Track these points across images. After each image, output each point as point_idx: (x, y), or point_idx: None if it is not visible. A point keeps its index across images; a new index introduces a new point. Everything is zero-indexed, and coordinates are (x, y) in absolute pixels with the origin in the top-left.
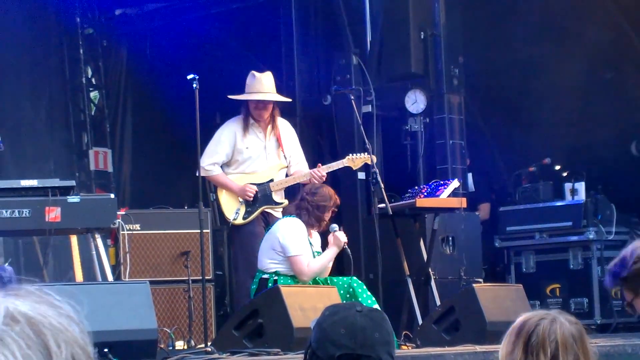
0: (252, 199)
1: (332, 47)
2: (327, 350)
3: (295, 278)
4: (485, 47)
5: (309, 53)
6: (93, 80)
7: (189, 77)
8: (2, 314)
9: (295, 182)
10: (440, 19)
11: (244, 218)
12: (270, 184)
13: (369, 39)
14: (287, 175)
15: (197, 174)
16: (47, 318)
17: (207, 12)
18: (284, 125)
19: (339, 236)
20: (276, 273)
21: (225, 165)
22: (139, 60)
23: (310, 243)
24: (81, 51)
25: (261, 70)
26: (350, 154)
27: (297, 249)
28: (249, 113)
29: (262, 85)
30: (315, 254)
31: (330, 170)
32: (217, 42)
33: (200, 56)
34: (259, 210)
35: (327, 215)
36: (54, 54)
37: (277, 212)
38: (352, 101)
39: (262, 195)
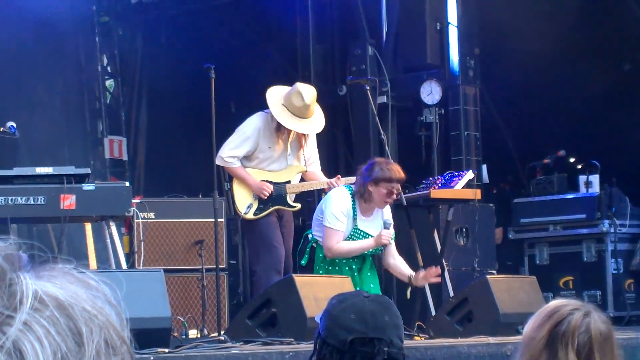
0: (266, 197)
1: (347, 37)
2: (338, 336)
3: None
4: (501, 39)
5: (324, 43)
6: (108, 68)
7: (205, 66)
8: (30, 297)
9: (311, 189)
10: (456, 10)
11: (254, 214)
12: (287, 185)
13: (384, 29)
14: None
15: (215, 163)
16: (80, 301)
17: (223, 1)
18: None
19: (384, 233)
20: (316, 241)
21: (244, 159)
22: (155, 49)
23: (357, 223)
24: (97, 39)
25: (278, 61)
26: None
27: (331, 222)
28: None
29: (308, 112)
30: (361, 236)
31: (348, 183)
32: (232, 31)
33: (215, 45)
34: (271, 209)
35: (381, 191)
36: (70, 42)
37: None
38: (368, 92)
39: (277, 195)
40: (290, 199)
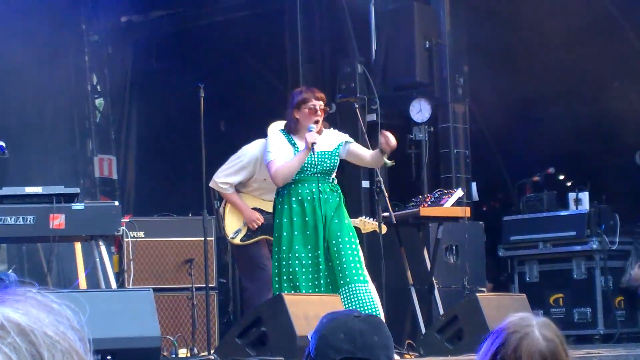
0: (255, 229)
1: (337, 55)
2: (327, 355)
3: (292, 185)
4: (490, 56)
5: (314, 61)
6: (98, 87)
7: (194, 85)
8: None
9: None
10: (446, 27)
11: (242, 240)
12: None
13: (374, 47)
14: None
15: (208, 184)
16: (42, 327)
17: (213, 20)
18: None
19: (307, 137)
20: (277, 192)
21: (239, 184)
22: (144, 68)
23: (296, 147)
24: (86, 58)
25: (268, 80)
26: (363, 217)
27: (267, 157)
28: None
29: None
30: (320, 153)
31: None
32: (222, 50)
33: (205, 64)
34: (259, 238)
35: (304, 112)
36: (59, 60)
37: None
38: (357, 110)
39: (266, 225)
40: None
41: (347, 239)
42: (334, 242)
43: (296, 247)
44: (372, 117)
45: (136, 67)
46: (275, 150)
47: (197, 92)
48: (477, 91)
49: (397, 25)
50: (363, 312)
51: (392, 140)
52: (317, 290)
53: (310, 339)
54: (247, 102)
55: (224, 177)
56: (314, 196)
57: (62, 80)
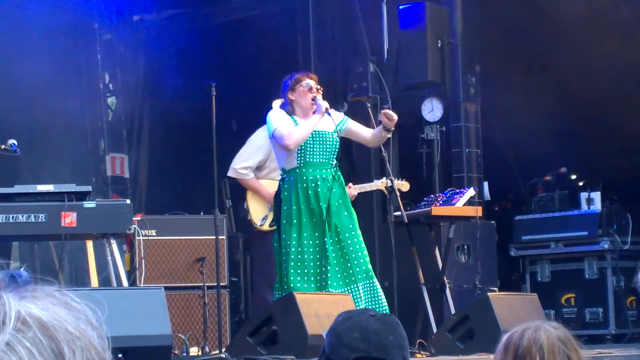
0: None
1: (349, 54)
2: (341, 354)
3: (297, 170)
4: (503, 56)
5: (326, 60)
6: (110, 86)
7: (206, 83)
8: (13, 318)
9: None
10: (458, 27)
11: (270, 225)
12: None
13: (386, 46)
14: None
15: (215, 181)
16: (63, 323)
17: (225, 19)
18: None
19: (320, 103)
20: (283, 170)
21: (256, 170)
22: (157, 67)
23: (296, 123)
24: (99, 57)
25: (280, 79)
26: (385, 178)
27: (274, 125)
28: None
29: None
30: (322, 133)
31: (362, 190)
32: (234, 49)
33: (217, 63)
34: None
35: (301, 91)
36: (72, 59)
37: None
38: (369, 109)
39: None
40: None
41: (358, 232)
42: (346, 235)
43: (305, 234)
44: None
45: (148, 65)
46: (280, 120)
47: (208, 91)
48: (489, 90)
49: (409, 25)
50: (380, 310)
51: (394, 115)
52: (324, 280)
53: (325, 337)
54: (258, 101)
55: (242, 162)
56: (319, 183)
57: (74, 79)
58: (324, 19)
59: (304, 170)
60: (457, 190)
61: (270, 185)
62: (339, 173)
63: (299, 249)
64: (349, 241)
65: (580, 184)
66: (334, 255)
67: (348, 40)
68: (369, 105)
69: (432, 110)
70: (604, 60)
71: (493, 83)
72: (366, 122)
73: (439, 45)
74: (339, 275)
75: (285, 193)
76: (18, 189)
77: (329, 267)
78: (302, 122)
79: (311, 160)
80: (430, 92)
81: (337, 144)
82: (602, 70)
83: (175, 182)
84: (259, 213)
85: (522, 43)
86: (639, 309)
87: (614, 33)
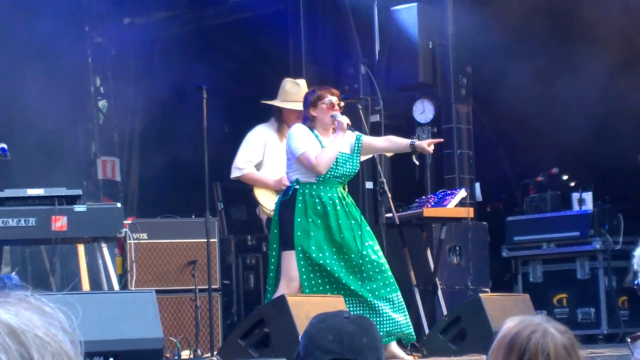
0: None
1: (340, 56)
2: (315, 356)
3: (314, 185)
4: (494, 57)
5: (317, 62)
6: (101, 89)
7: (197, 87)
8: None
9: None
10: (449, 28)
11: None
12: None
13: (377, 48)
14: None
15: (207, 185)
16: (32, 328)
17: (216, 22)
18: None
19: (341, 120)
20: (297, 181)
21: (255, 167)
22: (148, 70)
23: (321, 143)
24: (90, 60)
25: (271, 81)
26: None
27: (300, 148)
28: (282, 119)
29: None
30: (340, 154)
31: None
32: (225, 52)
33: (208, 66)
34: None
35: (322, 107)
36: (62, 62)
37: None
38: (360, 110)
39: None
40: None
41: (378, 247)
42: (370, 250)
43: (325, 247)
44: (376, 117)
45: (139, 69)
46: (304, 141)
47: (199, 94)
48: (481, 91)
49: (400, 26)
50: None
51: (430, 150)
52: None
53: (300, 340)
54: (251, 104)
55: (243, 157)
56: (336, 201)
57: (65, 82)
58: (315, 21)
59: (320, 186)
60: (449, 192)
61: (271, 177)
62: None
63: (321, 262)
64: (377, 256)
65: (572, 184)
66: (362, 273)
67: (339, 42)
68: (360, 107)
69: (423, 111)
70: (597, 59)
71: (484, 84)
72: (357, 124)
73: (430, 46)
74: (368, 291)
75: (299, 205)
76: (8, 192)
77: (351, 287)
78: (325, 141)
79: (326, 178)
80: (422, 94)
81: (357, 166)
82: (596, 69)
83: (166, 185)
84: (269, 201)
85: (513, 43)
86: (631, 308)
87: (606, 32)
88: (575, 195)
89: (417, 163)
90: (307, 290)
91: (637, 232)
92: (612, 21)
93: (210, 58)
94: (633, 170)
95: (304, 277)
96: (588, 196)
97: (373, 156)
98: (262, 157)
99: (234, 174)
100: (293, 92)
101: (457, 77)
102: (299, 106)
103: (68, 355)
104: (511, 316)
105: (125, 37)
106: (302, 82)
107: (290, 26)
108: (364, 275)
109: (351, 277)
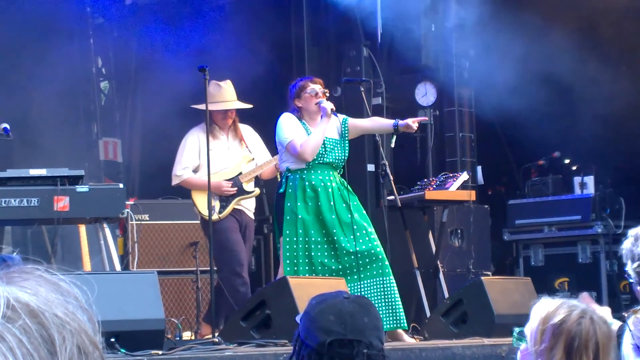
0: (231, 192)
1: (342, 38)
2: (317, 338)
3: (305, 170)
4: (496, 40)
5: (319, 44)
6: (103, 70)
7: (199, 67)
8: (2, 306)
9: (262, 170)
10: (451, 11)
11: (219, 213)
12: (240, 176)
13: (379, 30)
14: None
15: (209, 165)
16: (52, 308)
17: (218, 3)
18: (246, 129)
19: (325, 106)
20: (288, 169)
21: (193, 171)
22: (150, 51)
23: (309, 132)
24: (92, 41)
25: (272, 63)
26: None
27: (288, 137)
28: (213, 121)
29: (228, 94)
30: (329, 140)
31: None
32: (227, 32)
33: (210, 47)
34: (233, 203)
35: (306, 97)
36: (64, 43)
37: (248, 208)
38: (362, 93)
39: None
40: (247, 187)
41: (372, 229)
42: (364, 231)
43: (312, 231)
44: (378, 100)
45: (141, 50)
46: (291, 130)
47: (202, 74)
48: (483, 74)
49: (403, 9)
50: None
51: (414, 128)
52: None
53: (299, 322)
54: (252, 85)
55: (178, 165)
56: (327, 184)
57: (67, 63)
58: (317, 3)
59: (311, 171)
60: (451, 175)
61: (211, 179)
62: (343, 180)
63: (307, 246)
64: (370, 239)
65: (574, 168)
66: (355, 255)
67: (341, 24)
68: (362, 89)
69: (425, 94)
70: (601, 41)
71: (487, 67)
72: (359, 106)
73: (433, 29)
74: (355, 275)
75: (290, 190)
76: (10, 173)
77: (341, 272)
78: (313, 129)
79: (316, 164)
80: (424, 76)
81: (346, 152)
82: (600, 52)
83: (168, 166)
84: (206, 205)
85: (517, 26)
86: (632, 292)
87: (610, 14)
88: (577, 179)
89: (393, 146)
90: (288, 269)
91: (638, 216)
92: (614, 11)
93: (211, 39)
94: (635, 154)
95: (287, 261)
96: (590, 180)
97: (375, 139)
98: (199, 161)
99: (174, 181)
100: (215, 93)
101: (460, 60)
102: (222, 106)
103: (87, 334)
104: (513, 299)
105: (127, 18)
106: (224, 84)
107: (293, 8)
108: (357, 262)
109: (333, 259)
